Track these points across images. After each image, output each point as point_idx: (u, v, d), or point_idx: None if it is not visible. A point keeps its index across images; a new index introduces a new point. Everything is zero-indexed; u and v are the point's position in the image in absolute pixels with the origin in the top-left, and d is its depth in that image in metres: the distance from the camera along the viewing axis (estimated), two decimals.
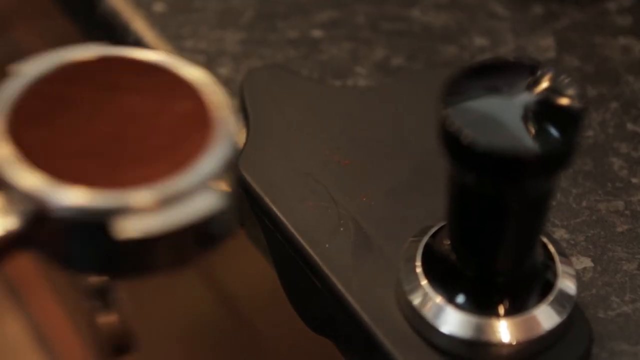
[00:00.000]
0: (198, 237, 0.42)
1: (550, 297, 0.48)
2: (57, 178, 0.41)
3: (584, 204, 0.56)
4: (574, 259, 0.54)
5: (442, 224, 0.50)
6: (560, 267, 0.49)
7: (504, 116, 0.43)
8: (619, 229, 0.55)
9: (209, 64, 0.64)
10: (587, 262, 0.54)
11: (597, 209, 0.56)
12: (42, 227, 0.41)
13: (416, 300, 0.48)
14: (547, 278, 0.49)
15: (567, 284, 0.49)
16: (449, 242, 0.49)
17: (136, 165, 0.42)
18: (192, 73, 0.46)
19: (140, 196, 0.40)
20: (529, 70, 0.45)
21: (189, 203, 0.40)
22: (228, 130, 0.43)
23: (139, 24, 0.67)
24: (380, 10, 0.68)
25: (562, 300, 0.48)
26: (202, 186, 0.41)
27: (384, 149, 0.58)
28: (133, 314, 0.52)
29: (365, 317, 0.50)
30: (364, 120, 0.59)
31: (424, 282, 0.49)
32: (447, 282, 0.48)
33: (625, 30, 0.67)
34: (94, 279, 0.48)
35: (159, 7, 0.68)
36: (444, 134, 0.43)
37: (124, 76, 0.46)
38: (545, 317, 0.48)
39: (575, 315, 0.50)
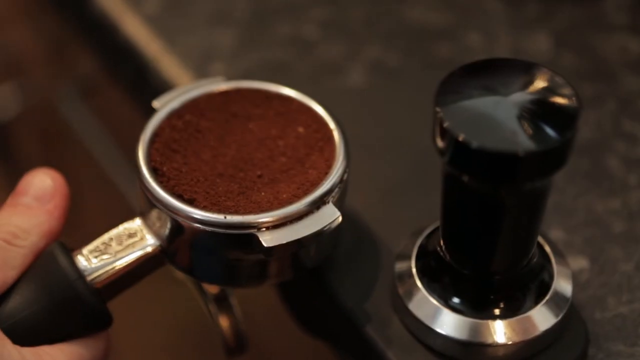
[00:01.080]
0: (315, 248, 0.49)
1: (546, 298, 0.48)
2: (192, 199, 0.47)
3: (580, 204, 0.56)
4: (570, 259, 0.53)
5: (436, 224, 0.50)
6: (556, 267, 0.49)
7: (499, 115, 0.43)
8: (616, 229, 0.55)
9: (201, 62, 0.63)
10: (583, 263, 0.53)
11: (594, 209, 0.56)
12: (179, 243, 0.47)
13: (411, 301, 0.48)
14: (543, 279, 0.49)
15: (563, 285, 0.48)
16: (443, 242, 0.48)
17: (264, 185, 0.48)
18: (306, 99, 0.51)
19: (269, 214, 0.46)
20: (524, 70, 0.44)
21: (312, 218, 0.46)
22: (341, 150, 0.49)
23: (130, 22, 0.66)
24: (375, 8, 0.68)
25: (558, 301, 0.48)
26: (323, 202, 0.47)
27: (379, 148, 0.58)
28: (127, 314, 0.52)
29: (359, 318, 0.50)
30: (359, 119, 0.58)
31: (418, 283, 0.48)
32: (442, 283, 0.48)
33: (622, 29, 0.67)
34: (214, 288, 0.52)
35: (151, 6, 0.67)
36: (439, 133, 0.43)
37: (246, 105, 0.51)
38: (541, 318, 0.47)
39: (572, 316, 0.49)
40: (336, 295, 0.51)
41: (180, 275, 0.53)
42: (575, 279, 0.52)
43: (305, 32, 0.66)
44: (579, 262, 0.53)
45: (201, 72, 0.63)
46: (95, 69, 0.79)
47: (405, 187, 0.56)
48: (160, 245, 0.48)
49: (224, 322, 0.52)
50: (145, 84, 0.64)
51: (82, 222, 0.54)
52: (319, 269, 0.51)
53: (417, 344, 0.49)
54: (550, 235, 0.54)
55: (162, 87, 0.62)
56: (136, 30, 0.65)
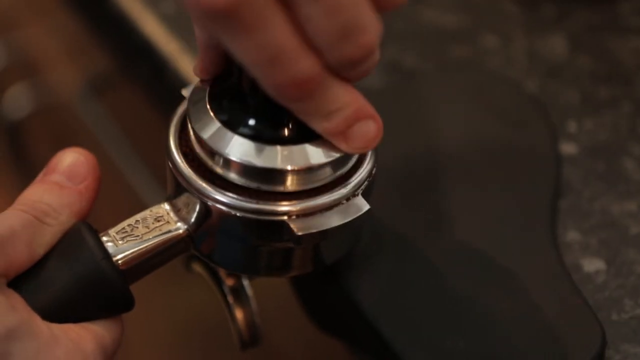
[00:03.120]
0: (338, 242, 0.49)
1: None
2: (220, 184, 0.46)
3: (596, 205, 0.56)
4: (586, 261, 0.53)
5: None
6: None
7: None
8: (632, 231, 0.55)
9: None
10: (600, 265, 0.53)
11: (610, 211, 0.56)
12: (206, 228, 0.47)
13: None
14: None
15: None
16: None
17: None
18: None
19: (301, 203, 0.46)
20: None
21: (342, 208, 0.46)
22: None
23: (148, 22, 0.66)
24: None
25: None
26: (353, 194, 0.47)
27: (395, 149, 0.58)
28: (141, 304, 0.52)
29: (375, 317, 0.50)
30: None
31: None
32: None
33: (638, 31, 0.67)
34: (231, 278, 0.52)
35: (169, 5, 0.67)
36: None
37: None
38: None
39: (588, 318, 0.49)
40: (353, 293, 0.51)
41: (196, 267, 0.53)
42: (591, 280, 0.52)
43: None
44: (595, 264, 0.53)
45: None
46: (111, 68, 0.80)
47: (421, 187, 0.56)
48: (187, 230, 0.48)
49: (239, 314, 0.52)
50: (163, 83, 0.64)
51: (96, 220, 0.54)
52: (336, 267, 0.51)
53: (434, 344, 0.49)
54: (566, 236, 0.54)
55: (179, 86, 0.62)
56: (154, 29, 0.66)
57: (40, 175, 0.49)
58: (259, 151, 0.46)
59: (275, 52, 0.41)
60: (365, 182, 0.48)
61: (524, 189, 0.56)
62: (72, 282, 0.46)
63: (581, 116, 0.61)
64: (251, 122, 0.46)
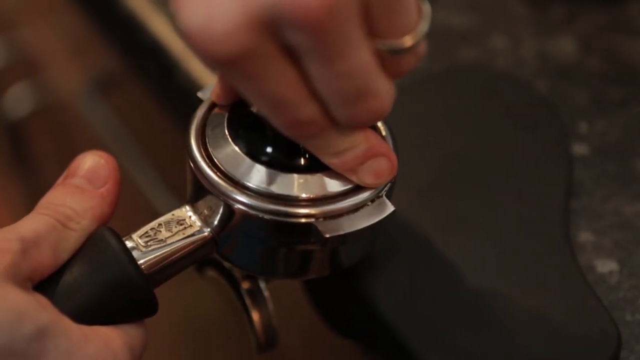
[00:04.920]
0: (357, 245, 0.49)
1: None
2: (241, 184, 0.46)
3: (608, 206, 0.56)
4: (599, 262, 0.53)
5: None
6: None
7: None
8: None
9: None
10: (613, 265, 0.53)
11: (622, 212, 0.56)
12: (230, 231, 0.47)
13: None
14: None
15: None
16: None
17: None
18: None
19: (327, 205, 0.46)
20: None
21: (368, 210, 0.46)
22: (391, 146, 0.49)
23: (157, 22, 0.66)
24: None
25: None
26: (378, 196, 0.47)
27: (404, 151, 0.58)
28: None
29: (392, 319, 0.50)
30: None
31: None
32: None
33: None
34: (247, 281, 0.52)
35: None
36: None
37: None
38: None
39: (603, 319, 0.49)
40: (368, 295, 0.51)
41: (210, 272, 0.53)
42: (605, 281, 0.52)
43: None
44: (609, 265, 0.53)
45: None
46: (120, 67, 0.79)
47: (432, 189, 0.55)
48: (211, 232, 0.48)
49: (256, 316, 0.52)
50: (172, 83, 0.64)
51: None
52: (352, 269, 0.51)
53: (449, 345, 0.48)
54: (579, 237, 0.54)
55: (189, 87, 0.62)
56: (163, 28, 0.65)
57: (61, 178, 0.48)
58: (277, 178, 0.46)
59: (277, 100, 0.41)
60: (389, 184, 0.48)
61: (535, 190, 0.56)
62: (98, 287, 0.45)
63: (592, 117, 0.61)
64: (269, 149, 0.46)
